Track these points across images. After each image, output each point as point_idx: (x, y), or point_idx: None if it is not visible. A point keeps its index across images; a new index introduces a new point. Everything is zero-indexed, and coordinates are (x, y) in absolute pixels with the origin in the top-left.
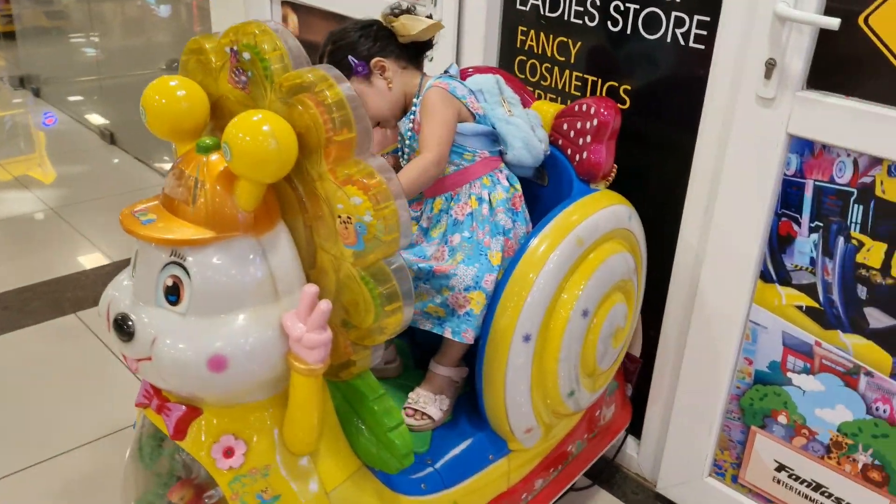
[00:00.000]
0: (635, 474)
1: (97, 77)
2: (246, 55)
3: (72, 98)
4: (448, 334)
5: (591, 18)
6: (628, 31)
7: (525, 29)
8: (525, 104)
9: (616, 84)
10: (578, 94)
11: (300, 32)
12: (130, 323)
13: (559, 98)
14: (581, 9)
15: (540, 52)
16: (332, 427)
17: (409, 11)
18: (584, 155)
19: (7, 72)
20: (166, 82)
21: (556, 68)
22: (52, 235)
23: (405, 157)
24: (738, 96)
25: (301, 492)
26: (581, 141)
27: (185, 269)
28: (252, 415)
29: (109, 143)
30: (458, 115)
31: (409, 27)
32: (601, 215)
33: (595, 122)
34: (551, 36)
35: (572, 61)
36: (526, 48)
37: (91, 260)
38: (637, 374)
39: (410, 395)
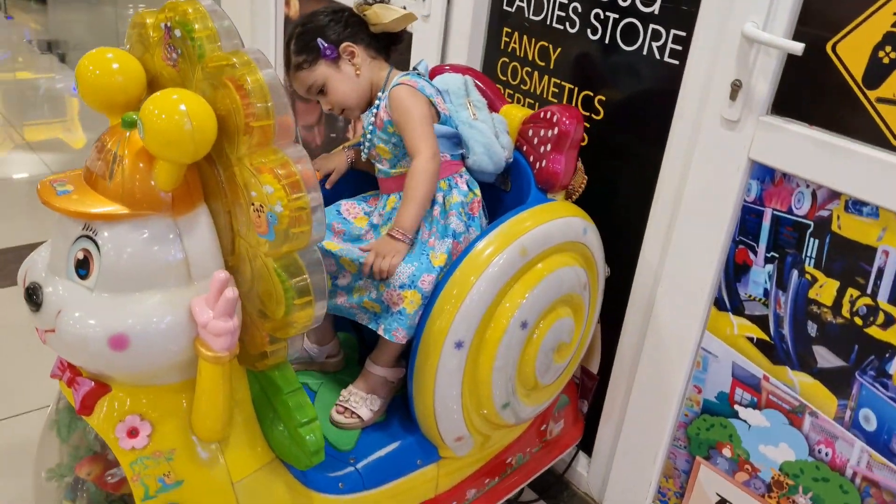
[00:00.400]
0: (584, 493)
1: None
2: (177, 32)
3: None
4: (381, 332)
5: (573, 25)
6: (607, 41)
7: (509, 30)
8: (496, 107)
9: (591, 94)
10: (555, 100)
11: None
12: (39, 293)
13: (537, 104)
14: (563, 14)
15: (522, 55)
16: (247, 417)
17: (383, 1)
18: (543, 163)
19: (36, 35)
20: (103, 54)
21: (535, 73)
22: None
23: (366, 150)
24: (704, 116)
25: (204, 479)
26: (542, 149)
27: (96, 243)
28: (163, 397)
29: None
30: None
31: (382, 16)
32: (553, 226)
33: (556, 130)
34: (533, 40)
35: (551, 67)
36: (509, 50)
37: None
38: (593, 391)
39: (343, 392)
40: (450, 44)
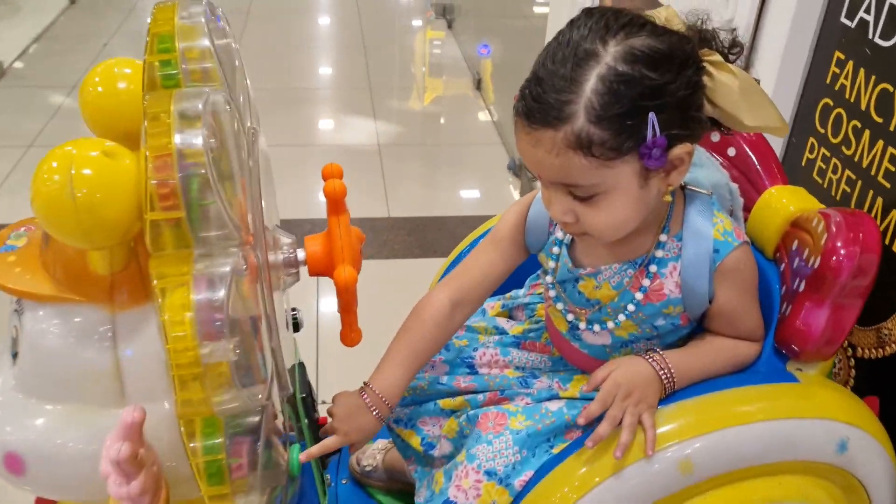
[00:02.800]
0: None
1: (503, 18)
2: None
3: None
4: None
5: None
6: None
7: (842, 57)
8: (759, 185)
9: None
10: (888, 185)
11: None
12: None
13: (858, 182)
14: None
15: (852, 98)
16: None
17: (713, 37)
18: (788, 309)
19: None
20: (111, 68)
21: (866, 132)
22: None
23: (563, 308)
24: None
25: None
26: (796, 283)
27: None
28: None
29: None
30: None
31: (728, 87)
32: (769, 430)
33: (817, 261)
34: (873, 78)
35: (892, 127)
36: (837, 87)
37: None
38: None
39: None
40: (756, 64)
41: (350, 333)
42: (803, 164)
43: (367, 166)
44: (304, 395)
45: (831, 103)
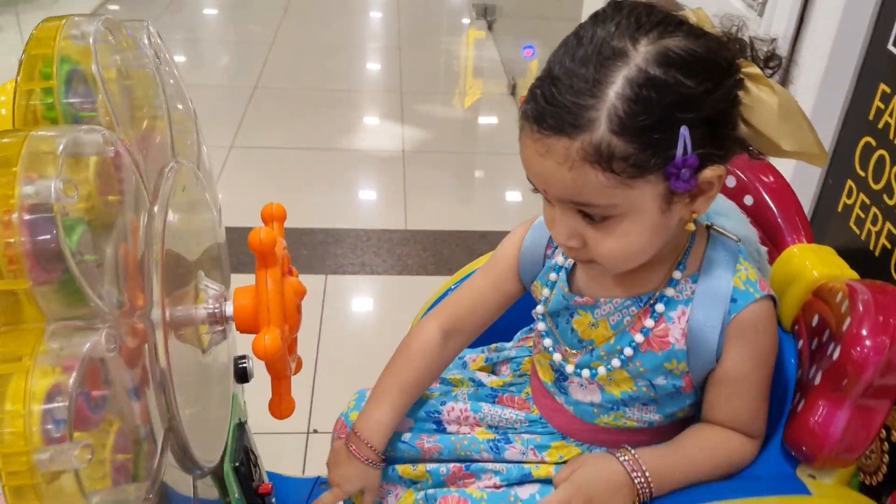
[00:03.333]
0: None
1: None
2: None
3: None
4: None
5: None
6: None
7: (888, 91)
8: (780, 242)
9: None
10: None
11: None
12: None
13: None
14: None
15: None
16: None
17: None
18: (802, 404)
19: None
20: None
21: None
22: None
23: (552, 346)
24: None
25: None
26: (812, 372)
27: None
28: None
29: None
30: None
31: (767, 105)
32: None
33: (837, 351)
34: None
35: None
36: (880, 126)
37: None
38: None
39: None
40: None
41: (280, 404)
42: (839, 209)
43: (388, 174)
44: (236, 463)
45: (874, 143)
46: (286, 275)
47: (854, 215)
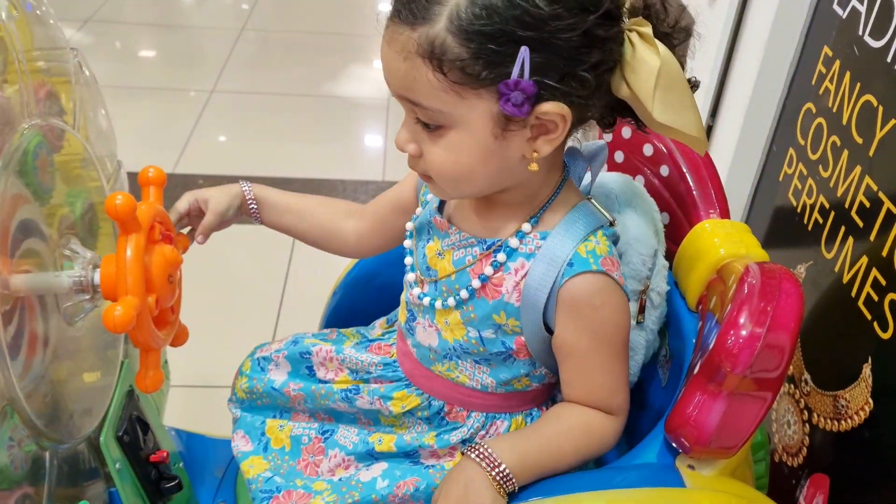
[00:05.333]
0: None
1: None
2: None
3: None
4: None
5: None
6: None
7: (830, 54)
8: (692, 216)
9: None
10: (861, 224)
11: None
12: None
13: (831, 214)
14: None
15: (835, 107)
16: None
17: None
18: (679, 392)
19: None
20: None
21: (844, 152)
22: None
23: (411, 265)
24: None
25: None
26: (697, 358)
27: None
28: None
29: None
30: None
31: (647, 66)
32: None
33: (711, 341)
34: (858, 85)
35: (871, 152)
36: (821, 91)
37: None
38: None
39: None
40: (738, 57)
41: (145, 377)
42: (780, 178)
43: (369, 123)
44: (119, 433)
45: (814, 109)
46: (157, 242)
47: (792, 186)
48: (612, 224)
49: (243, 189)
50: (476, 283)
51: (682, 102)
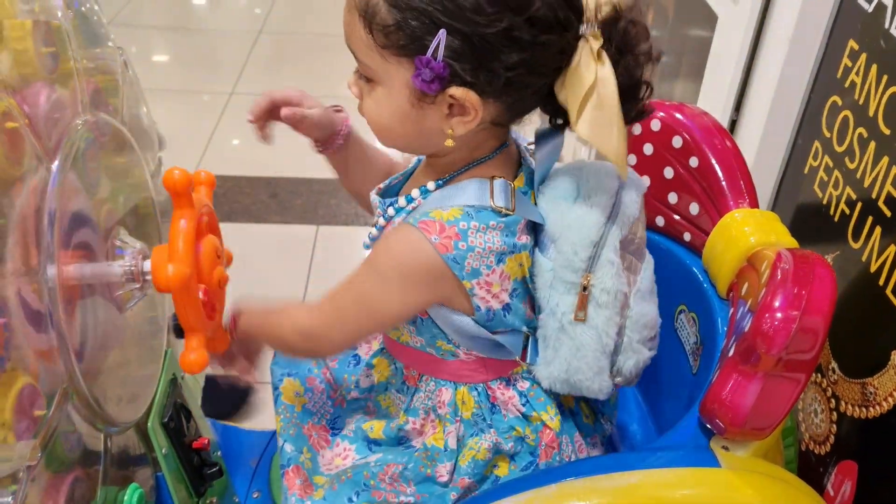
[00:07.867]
0: None
1: None
2: None
3: None
4: None
5: None
6: None
7: (856, 48)
8: (722, 206)
9: None
10: (889, 214)
11: None
12: None
13: (857, 205)
14: None
15: (861, 99)
16: None
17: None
18: (715, 376)
19: None
20: None
21: (871, 144)
22: None
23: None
24: None
25: None
26: (732, 341)
27: None
28: None
29: None
30: (439, 297)
31: (580, 81)
32: None
33: (749, 322)
34: (885, 78)
35: None
36: (847, 85)
37: None
38: None
39: None
40: (764, 44)
41: (187, 356)
42: (805, 171)
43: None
44: (165, 419)
45: (839, 102)
46: (207, 234)
47: (818, 179)
48: (502, 211)
49: (344, 117)
50: (374, 232)
51: (608, 123)
